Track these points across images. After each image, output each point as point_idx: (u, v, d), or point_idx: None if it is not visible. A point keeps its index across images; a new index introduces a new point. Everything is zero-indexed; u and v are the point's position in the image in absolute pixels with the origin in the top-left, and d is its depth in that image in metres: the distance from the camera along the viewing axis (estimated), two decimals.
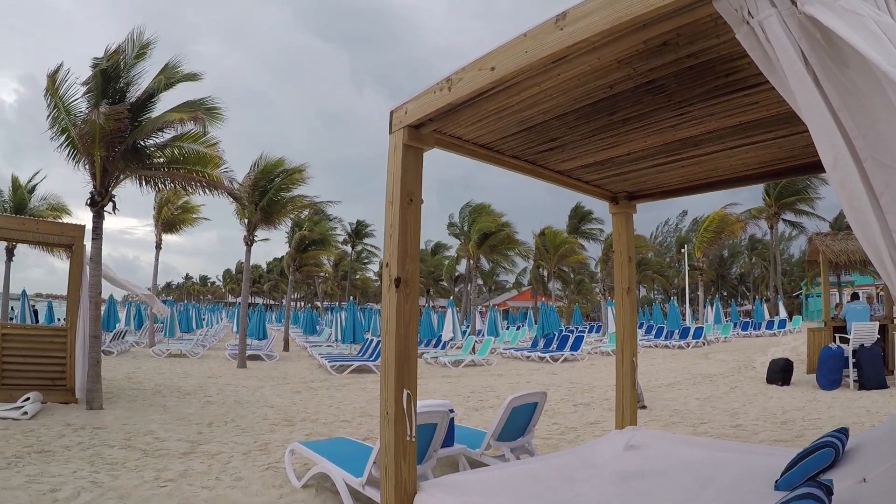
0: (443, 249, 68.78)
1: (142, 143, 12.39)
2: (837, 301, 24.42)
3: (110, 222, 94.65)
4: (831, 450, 3.67)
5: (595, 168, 5.42)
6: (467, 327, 37.00)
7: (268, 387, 15.11)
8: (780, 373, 14.27)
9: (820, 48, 2.00)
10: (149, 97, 12.17)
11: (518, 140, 4.60)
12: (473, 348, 23.37)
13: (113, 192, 11.91)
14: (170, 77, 12.39)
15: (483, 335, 30.14)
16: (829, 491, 2.72)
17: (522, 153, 4.96)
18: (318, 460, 6.01)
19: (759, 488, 3.98)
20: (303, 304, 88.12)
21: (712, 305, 41.75)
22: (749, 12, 2.17)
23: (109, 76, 11.62)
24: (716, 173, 5.57)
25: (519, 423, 6.72)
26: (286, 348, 29.61)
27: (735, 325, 39.88)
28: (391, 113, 4.17)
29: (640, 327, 36.57)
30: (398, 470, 3.87)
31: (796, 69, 2.02)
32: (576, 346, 23.88)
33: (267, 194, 21.40)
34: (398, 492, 3.86)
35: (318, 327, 41.62)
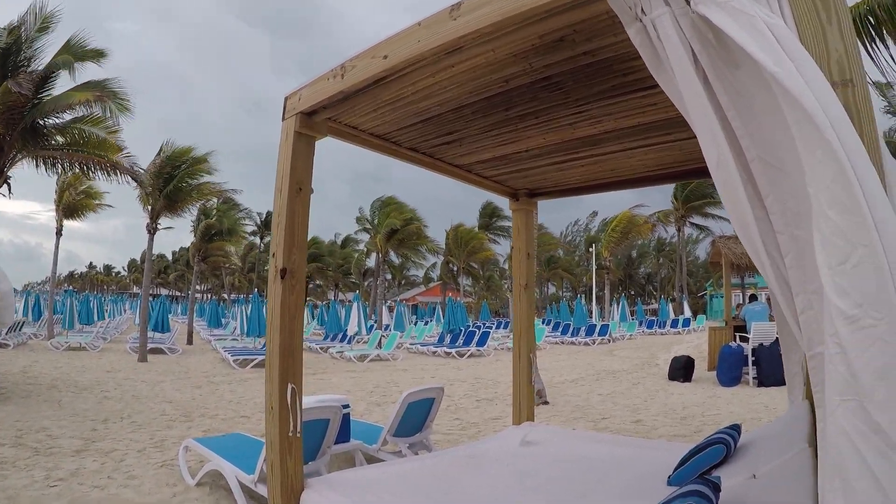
0: (353, 243, 68.12)
1: (41, 122, 11.89)
2: (739, 302, 25.32)
3: (11, 206, 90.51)
4: (722, 446, 3.73)
5: (494, 164, 5.40)
6: (374, 322, 36.86)
7: (168, 381, 14.66)
8: (682, 370, 14.68)
9: (711, 48, 1.98)
10: (51, 73, 11.69)
11: (415, 132, 4.51)
12: (379, 343, 23.28)
13: (9, 174, 11.38)
14: (74, 54, 11.94)
15: (390, 330, 30.13)
16: (716, 487, 2.73)
17: (420, 146, 4.88)
18: (212, 457, 5.82)
19: (653, 484, 4.01)
20: (210, 296, 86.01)
21: (619, 304, 42.72)
22: (642, 10, 2.14)
23: (10, 50, 11.10)
24: (616, 173, 5.63)
25: (416, 418, 6.68)
26: (190, 342, 28.78)
27: (641, 324, 40.96)
28: (285, 99, 4.03)
29: (548, 324, 37.15)
30: (283, 466, 3.75)
31: (685, 68, 2.00)
32: (482, 341, 23.95)
33: (172, 181, 20.80)
34: (284, 488, 3.74)
35: (223, 320, 40.69)
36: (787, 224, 1.83)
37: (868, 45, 7.10)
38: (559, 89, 3.67)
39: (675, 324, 40.49)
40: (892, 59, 7.08)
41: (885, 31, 6.96)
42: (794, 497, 2.54)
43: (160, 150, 21.10)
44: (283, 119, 4.01)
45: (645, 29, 2.15)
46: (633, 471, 4.51)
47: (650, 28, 2.12)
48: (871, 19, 7.02)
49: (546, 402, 11.28)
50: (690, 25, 2.00)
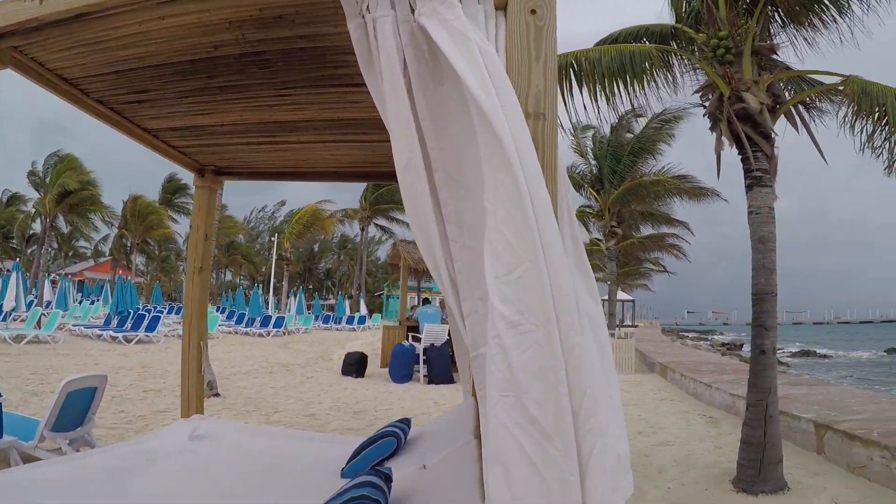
0: (19, 202, 60.52)
1: None
2: (414, 304, 26.66)
3: None
4: (393, 439, 3.97)
5: (184, 133, 5.20)
6: (35, 297, 33.53)
7: None
8: (355, 365, 15.23)
9: (422, 60, 2.16)
10: None
11: (106, 83, 4.16)
12: (39, 322, 21.12)
13: None
14: None
15: (52, 308, 27.62)
16: (388, 478, 2.92)
17: (108, 100, 4.49)
18: None
19: (327, 476, 4.11)
20: None
21: (296, 296, 43.01)
22: (368, 7, 2.26)
23: None
24: (309, 164, 5.75)
25: (77, 410, 6.17)
26: None
27: (317, 318, 41.46)
28: None
29: (223, 312, 36.42)
30: None
31: (394, 73, 2.16)
32: (151, 326, 22.55)
33: None
34: None
35: None
36: (461, 234, 2.07)
37: (567, 90, 8.04)
38: (267, 67, 3.68)
39: (350, 321, 41.61)
40: (584, 106, 8.07)
41: (584, 81, 7.88)
42: (461, 485, 2.80)
43: None
44: None
45: (365, 26, 2.27)
46: (307, 464, 4.59)
47: (370, 26, 2.25)
48: (574, 67, 7.91)
49: (217, 395, 11.09)
50: (409, 34, 2.17)
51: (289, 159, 5.63)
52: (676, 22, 8.51)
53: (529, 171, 1.86)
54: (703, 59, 7.56)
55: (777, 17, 7.95)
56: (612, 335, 19.44)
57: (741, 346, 46.93)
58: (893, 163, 7.28)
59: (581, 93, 7.98)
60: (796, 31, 7.98)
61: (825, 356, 47.36)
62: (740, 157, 7.08)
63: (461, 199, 2.07)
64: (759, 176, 6.93)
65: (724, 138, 7.20)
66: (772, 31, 8.05)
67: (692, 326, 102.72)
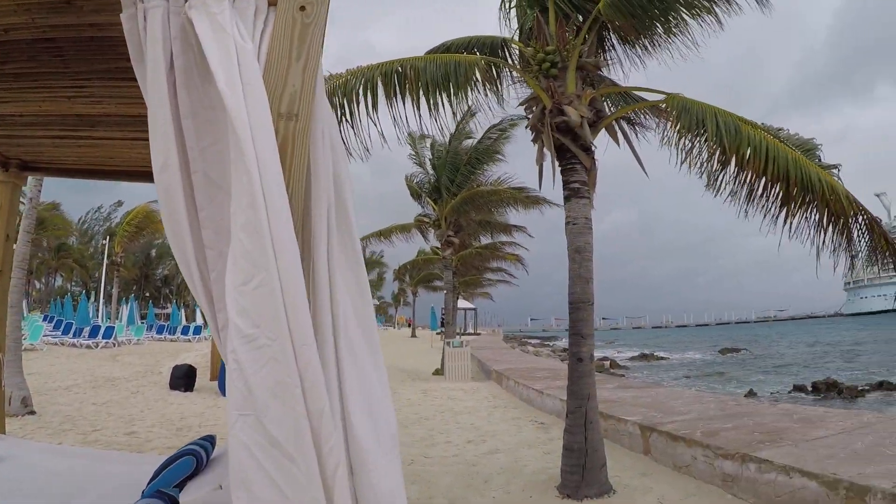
0: None
1: None
2: None
3: None
4: (192, 458, 3.80)
5: None
6: None
7: None
8: (183, 378, 14.71)
9: (191, 55, 2.06)
10: None
11: None
12: None
13: None
14: None
15: None
16: (173, 500, 2.80)
17: None
18: None
19: (127, 499, 3.95)
20: None
21: (128, 304, 41.41)
22: None
23: None
24: (115, 162, 5.48)
25: None
26: None
27: (150, 328, 40.06)
28: None
29: (50, 321, 34.50)
30: None
31: (157, 67, 2.05)
32: None
33: None
34: None
35: None
36: (218, 241, 2.00)
37: (391, 97, 8.06)
38: (60, 56, 3.47)
39: (185, 331, 40.56)
40: (406, 116, 8.17)
41: (407, 89, 7.94)
42: None
43: None
44: None
45: (136, 17, 2.15)
46: (111, 485, 4.35)
47: (141, 17, 2.13)
48: (398, 73, 7.92)
49: (32, 412, 10.44)
50: (179, 27, 2.06)
51: (95, 156, 5.33)
52: (520, 36, 8.69)
53: (267, 175, 1.79)
54: (529, 73, 7.78)
55: (609, 35, 8.27)
56: (449, 344, 19.77)
57: None
58: (715, 179, 7.63)
59: (403, 101, 8.01)
60: (627, 50, 8.35)
61: (662, 358, 49.91)
62: (560, 168, 7.33)
63: (220, 203, 1.98)
64: (577, 187, 7.22)
65: (545, 150, 7.43)
66: (607, 48, 8.38)
67: (535, 333, 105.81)
